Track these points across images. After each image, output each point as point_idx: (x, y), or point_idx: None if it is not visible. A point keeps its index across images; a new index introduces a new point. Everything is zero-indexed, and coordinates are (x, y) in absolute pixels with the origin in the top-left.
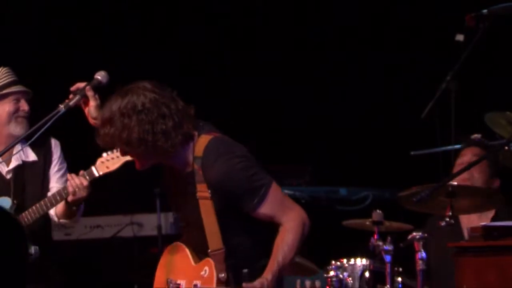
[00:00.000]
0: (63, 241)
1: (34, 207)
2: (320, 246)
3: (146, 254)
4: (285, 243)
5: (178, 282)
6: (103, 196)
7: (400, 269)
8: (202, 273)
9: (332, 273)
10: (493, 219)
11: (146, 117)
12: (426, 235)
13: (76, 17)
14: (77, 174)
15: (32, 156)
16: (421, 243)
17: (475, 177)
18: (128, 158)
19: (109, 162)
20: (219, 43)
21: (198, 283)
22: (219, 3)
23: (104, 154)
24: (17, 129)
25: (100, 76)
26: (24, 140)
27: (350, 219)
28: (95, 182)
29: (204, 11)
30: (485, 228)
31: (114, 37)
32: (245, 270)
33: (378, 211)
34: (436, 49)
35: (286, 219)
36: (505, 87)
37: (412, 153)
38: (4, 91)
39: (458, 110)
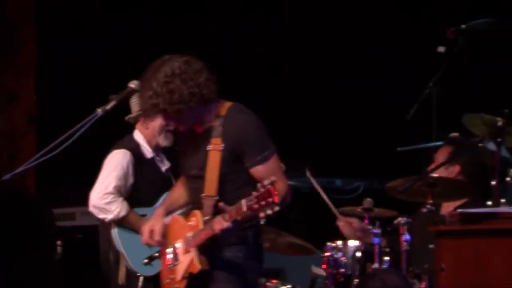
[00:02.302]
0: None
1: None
2: (318, 230)
3: None
4: None
5: (176, 245)
6: None
7: (387, 250)
8: (191, 223)
9: (328, 253)
10: (464, 206)
11: (186, 75)
12: (410, 220)
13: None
14: None
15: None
16: (406, 227)
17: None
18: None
19: None
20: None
21: (189, 234)
22: None
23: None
24: (164, 142)
25: (133, 84)
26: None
27: (344, 206)
28: None
29: None
30: (462, 213)
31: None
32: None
33: (368, 199)
34: (421, 58)
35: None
36: (481, 92)
37: (398, 149)
38: None
39: (439, 112)
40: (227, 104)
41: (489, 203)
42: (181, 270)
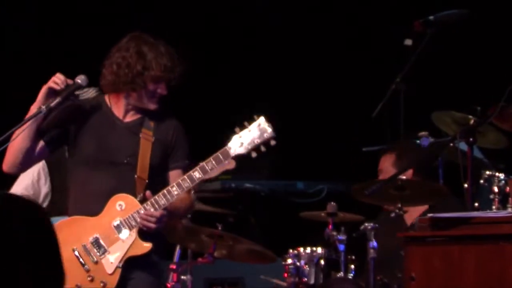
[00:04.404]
0: None
1: None
2: (278, 236)
3: None
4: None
5: (92, 238)
6: None
7: (353, 257)
8: (117, 208)
9: (289, 261)
10: (427, 211)
11: None
12: (377, 225)
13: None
14: None
15: None
16: (372, 233)
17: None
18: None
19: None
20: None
21: (119, 219)
22: None
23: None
24: None
25: (80, 79)
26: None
27: (307, 211)
28: None
29: None
30: (432, 219)
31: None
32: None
33: (332, 203)
34: (387, 52)
35: None
36: (451, 87)
37: (364, 149)
38: None
39: (407, 109)
40: None
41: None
42: (113, 260)
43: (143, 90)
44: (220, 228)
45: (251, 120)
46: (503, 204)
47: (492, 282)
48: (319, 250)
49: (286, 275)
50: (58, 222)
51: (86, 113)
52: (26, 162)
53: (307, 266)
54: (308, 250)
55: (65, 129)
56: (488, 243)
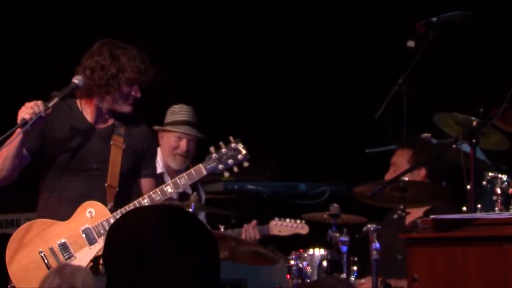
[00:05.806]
0: None
1: None
2: (281, 237)
3: None
4: None
5: (59, 242)
6: None
7: (356, 259)
8: (87, 215)
9: (292, 262)
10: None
11: None
12: (379, 227)
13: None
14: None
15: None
16: (375, 234)
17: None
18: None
19: (282, 227)
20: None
21: (88, 225)
22: None
23: (276, 219)
24: (173, 164)
25: (77, 80)
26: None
27: (309, 212)
28: None
29: None
30: (435, 220)
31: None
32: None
33: (335, 204)
34: (389, 53)
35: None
36: (453, 89)
37: (366, 150)
38: (173, 128)
39: (409, 111)
40: None
41: (464, 208)
42: (80, 263)
43: (117, 93)
44: (222, 229)
45: (226, 141)
46: (506, 206)
47: (495, 284)
48: (322, 251)
49: (288, 276)
50: (27, 223)
51: (58, 119)
52: (14, 175)
53: (309, 267)
54: (311, 251)
55: (42, 136)
56: (490, 245)
